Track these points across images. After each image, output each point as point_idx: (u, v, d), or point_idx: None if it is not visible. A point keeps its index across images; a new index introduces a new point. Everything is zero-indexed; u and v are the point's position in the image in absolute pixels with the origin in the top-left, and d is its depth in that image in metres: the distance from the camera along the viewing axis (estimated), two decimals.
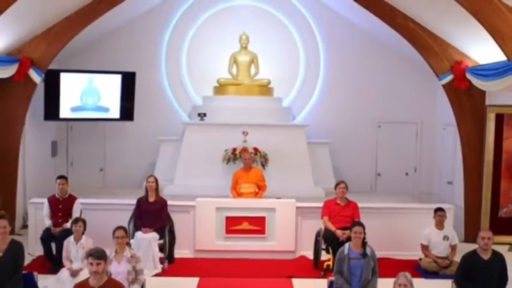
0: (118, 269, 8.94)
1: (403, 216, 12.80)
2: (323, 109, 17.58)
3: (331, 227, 11.58)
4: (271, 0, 17.53)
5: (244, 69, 17.03)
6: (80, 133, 17.36)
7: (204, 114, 16.12)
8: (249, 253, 12.42)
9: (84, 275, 8.83)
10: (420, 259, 11.75)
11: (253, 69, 17.13)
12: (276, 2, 17.54)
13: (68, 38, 14.04)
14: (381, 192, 17.28)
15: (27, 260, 10.68)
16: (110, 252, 8.67)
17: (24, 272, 9.62)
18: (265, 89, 16.84)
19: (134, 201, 12.13)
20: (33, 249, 11.99)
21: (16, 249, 9.33)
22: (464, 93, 14.05)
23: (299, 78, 17.78)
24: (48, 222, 11.68)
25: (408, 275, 7.64)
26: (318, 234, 11.96)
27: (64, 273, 10.45)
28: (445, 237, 11.61)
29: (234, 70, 17.12)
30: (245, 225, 12.55)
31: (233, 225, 12.54)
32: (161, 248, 11.70)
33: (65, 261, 10.59)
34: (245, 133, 15.41)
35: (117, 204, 12.72)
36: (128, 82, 16.27)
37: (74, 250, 10.57)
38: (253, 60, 17.11)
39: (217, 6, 17.54)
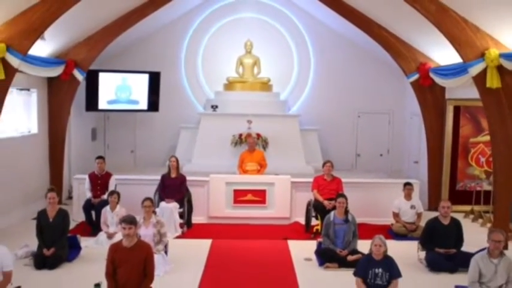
0: (146, 232, 8.97)
1: (378, 189, 12.76)
2: (313, 102, 17.49)
3: (320, 198, 11.54)
4: (271, 13, 17.44)
5: (248, 69, 16.95)
6: (115, 121, 17.31)
7: (216, 106, 16.09)
8: (252, 219, 12.38)
9: (118, 237, 8.81)
10: (392, 224, 11.73)
11: (256, 69, 17.04)
12: (274, 14, 17.45)
13: (105, 44, 14.01)
14: (360, 170, 17.21)
15: (72, 225, 10.68)
16: (139, 218, 8.63)
17: (69, 234, 9.71)
18: (266, 86, 16.77)
19: (159, 177, 12.08)
20: (76, 216, 11.97)
21: (63, 216, 9.44)
22: (427, 89, 14.03)
23: (293, 76, 17.67)
24: (88, 194, 11.72)
25: (382, 237, 7.64)
26: (308, 204, 11.92)
27: (102, 236, 10.52)
28: (412, 207, 11.63)
29: (240, 70, 17.03)
30: (249, 197, 12.52)
31: (239, 196, 12.51)
32: (181, 215, 11.70)
33: (103, 226, 10.67)
34: (249, 121, 15.36)
35: (145, 179, 12.67)
36: (154, 80, 16.22)
37: (110, 217, 10.62)
38: (256, 62, 17.03)
39: (227, 18, 17.44)
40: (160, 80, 16.27)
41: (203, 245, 10.58)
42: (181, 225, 11.61)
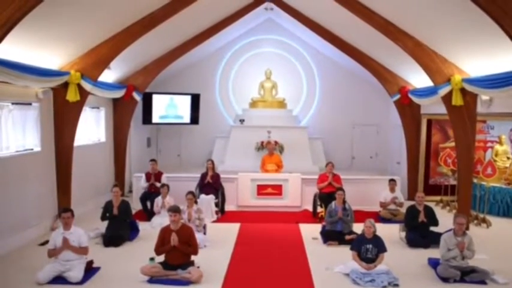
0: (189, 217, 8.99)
1: (369, 184, 12.74)
2: (318, 116, 17.44)
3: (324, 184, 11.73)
4: (286, 48, 17.45)
5: (268, 91, 16.92)
6: (165, 132, 17.40)
7: (243, 120, 16.11)
8: (271, 207, 12.43)
9: (166, 222, 8.88)
10: (380, 211, 11.72)
11: (274, 91, 17.02)
12: (289, 49, 17.46)
13: (157, 72, 14.16)
14: (355, 169, 17.07)
15: (132, 212, 10.75)
16: (183, 207, 8.72)
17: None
18: (282, 104, 16.75)
19: (199, 175, 12.18)
20: (135, 205, 12.02)
21: (125, 206, 9.55)
22: (407, 106, 14.06)
23: (303, 97, 17.65)
24: (144, 185, 11.85)
25: (372, 220, 7.75)
26: (315, 196, 11.95)
27: (155, 221, 10.56)
28: (395, 198, 11.60)
29: (262, 92, 17.04)
30: (269, 190, 12.54)
31: (262, 190, 12.54)
32: (216, 204, 11.76)
33: (156, 209, 10.74)
34: (269, 132, 15.36)
35: (188, 176, 12.71)
36: (195, 100, 16.33)
37: (160, 203, 10.72)
38: (274, 86, 16.99)
39: (252, 51, 17.48)
40: (200, 100, 16.37)
41: (233, 228, 10.64)
42: (216, 212, 11.67)
